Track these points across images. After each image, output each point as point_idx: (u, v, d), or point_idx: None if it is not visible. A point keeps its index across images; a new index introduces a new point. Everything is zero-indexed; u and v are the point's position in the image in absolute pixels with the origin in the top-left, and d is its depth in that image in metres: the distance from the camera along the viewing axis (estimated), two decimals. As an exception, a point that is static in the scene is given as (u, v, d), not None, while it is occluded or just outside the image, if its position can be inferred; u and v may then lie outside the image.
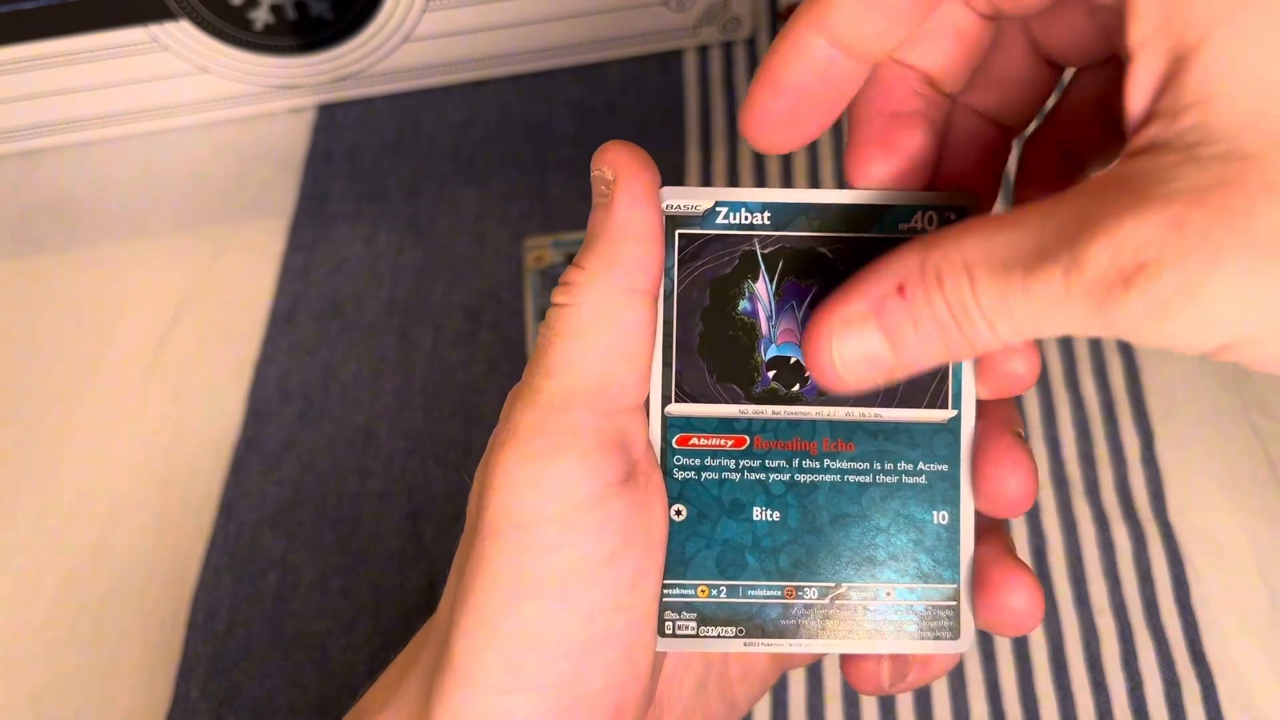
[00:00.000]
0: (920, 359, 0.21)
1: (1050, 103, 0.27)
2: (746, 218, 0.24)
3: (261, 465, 0.41)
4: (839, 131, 0.49)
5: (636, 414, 0.24)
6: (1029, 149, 0.27)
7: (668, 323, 0.24)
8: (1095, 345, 0.42)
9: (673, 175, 0.48)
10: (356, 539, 0.39)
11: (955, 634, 0.24)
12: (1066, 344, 0.42)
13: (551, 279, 0.44)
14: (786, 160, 0.48)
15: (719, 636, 0.24)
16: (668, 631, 0.24)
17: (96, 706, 0.36)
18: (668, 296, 0.24)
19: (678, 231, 0.24)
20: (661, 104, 0.51)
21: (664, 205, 0.24)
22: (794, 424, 0.24)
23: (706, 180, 0.48)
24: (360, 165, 0.49)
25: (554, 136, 0.50)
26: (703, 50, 0.52)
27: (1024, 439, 0.25)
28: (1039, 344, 0.25)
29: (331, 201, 0.48)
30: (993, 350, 0.21)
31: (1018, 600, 0.24)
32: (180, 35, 0.46)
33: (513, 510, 0.22)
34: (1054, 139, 0.26)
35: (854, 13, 0.22)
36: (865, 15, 0.22)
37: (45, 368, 0.44)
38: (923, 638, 0.24)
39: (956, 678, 0.36)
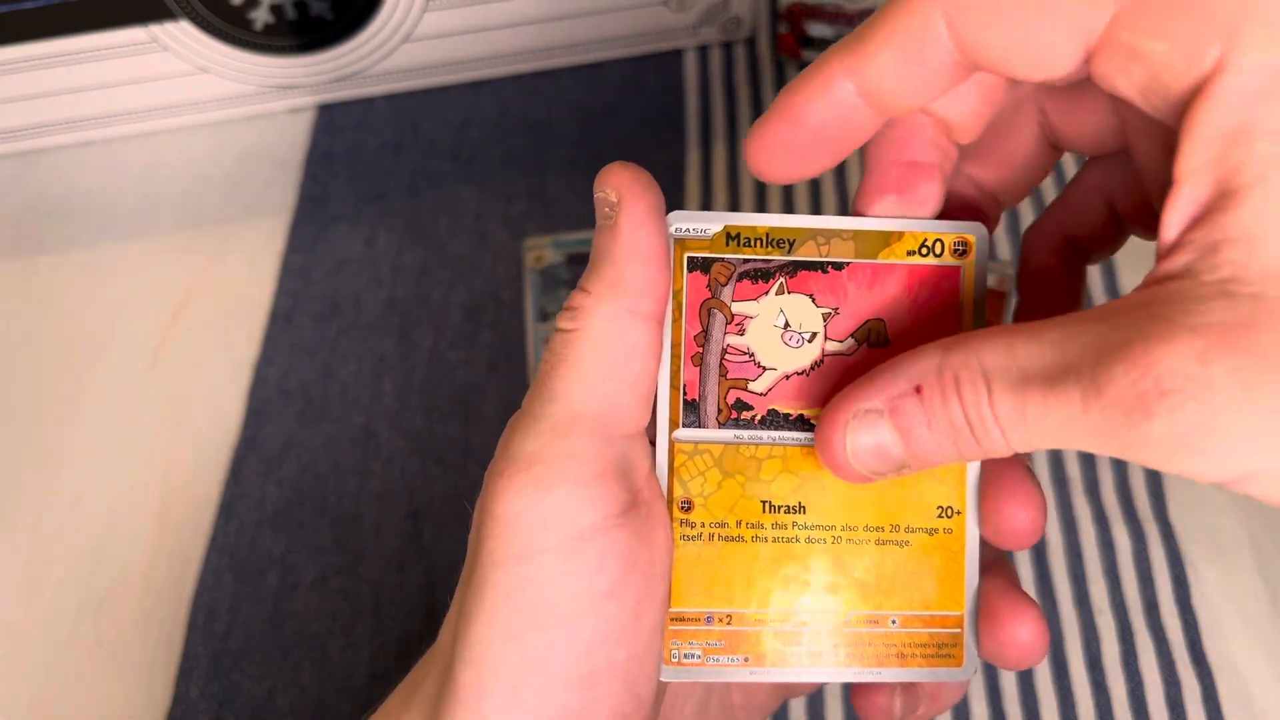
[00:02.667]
0: (932, 457, 0.21)
1: (1049, 180, 0.27)
2: (755, 241, 0.24)
3: (261, 465, 0.41)
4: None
5: (639, 440, 0.24)
6: (1032, 235, 0.27)
7: (675, 345, 0.24)
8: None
9: (673, 175, 0.48)
10: (356, 539, 0.39)
11: (960, 662, 0.24)
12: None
13: (551, 278, 0.44)
14: (786, 160, 0.48)
15: (725, 665, 0.24)
16: (674, 660, 0.24)
17: (96, 706, 0.36)
18: (675, 320, 0.24)
19: (686, 255, 0.24)
20: (661, 104, 0.51)
21: (672, 229, 0.24)
22: (803, 450, 0.24)
23: (706, 180, 0.48)
24: (360, 165, 0.49)
25: (554, 136, 0.50)
26: (703, 50, 0.52)
27: (1032, 472, 0.25)
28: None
29: (331, 201, 0.48)
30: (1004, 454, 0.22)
31: (1023, 634, 0.24)
32: (180, 35, 0.46)
33: (513, 541, 0.22)
34: (1057, 228, 0.26)
35: (891, 68, 0.21)
36: (902, 72, 0.21)
37: (45, 368, 0.44)
38: (928, 666, 0.24)
39: None
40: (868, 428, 0.21)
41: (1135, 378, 0.18)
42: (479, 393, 0.42)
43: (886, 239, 0.24)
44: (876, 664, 0.24)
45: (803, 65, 0.52)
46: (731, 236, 0.24)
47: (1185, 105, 0.19)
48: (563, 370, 0.23)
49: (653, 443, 0.25)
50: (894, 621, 0.24)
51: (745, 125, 0.50)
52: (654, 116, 0.50)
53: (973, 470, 0.24)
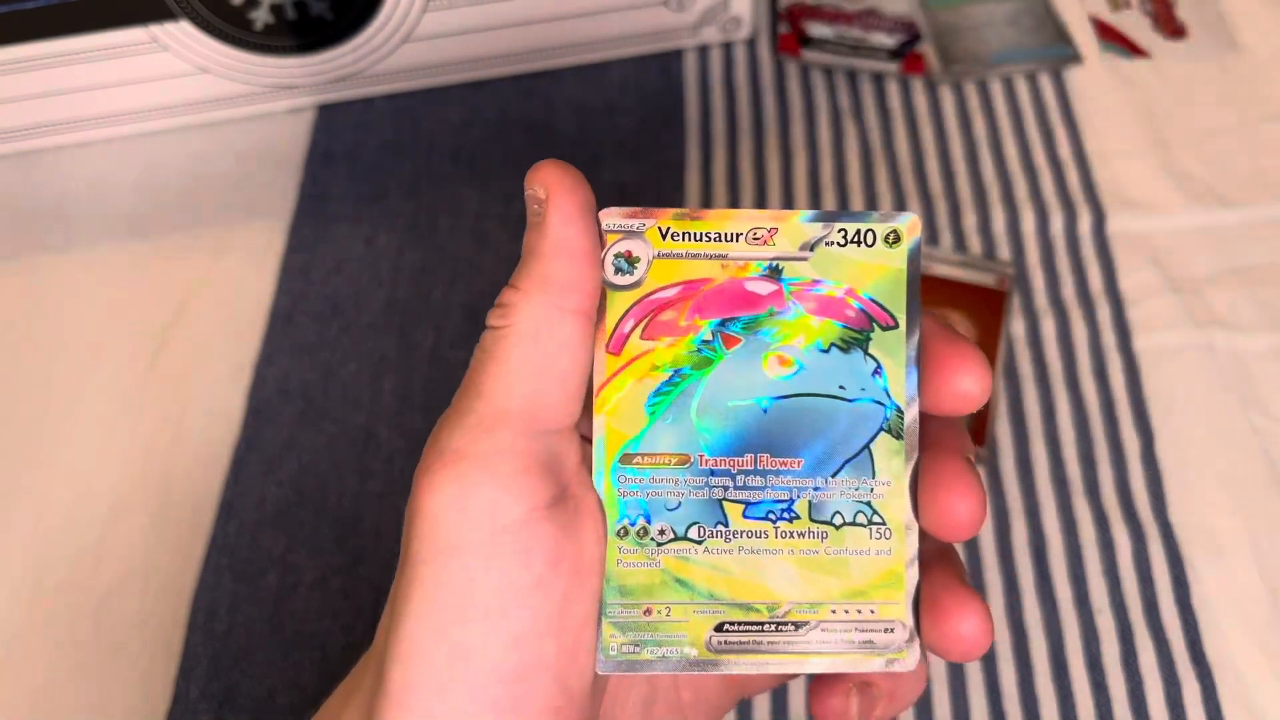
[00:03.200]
0: None
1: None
2: (686, 237, 0.24)
3: (261, 465, 0.41)
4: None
5: (567, 435, 0.23)
6: None
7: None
8: (1095, 346, 0.42)
9: (673, 175, 0.48)
10: (356, 539, 0.39)
11: (901, 651, 0.24)
12: (1066, 344, 0.42)
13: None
14: (787, 168, 0.48)
15: (663, 658, 0.24)
16: (611, 653, 0.24)
17: (96, 706, 0.36)
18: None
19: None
20: (661, 104, 0.51)
21: (605, 225, 0.24)
22: (739, 438, 0.24)
23: (706, 180, 0.48)
24: (360, 165, 0.49)
25: (554, 136, 0.50)
26: (703, 50, 0.52)
27: (973, 464, 0.24)
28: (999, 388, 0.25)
29: (331, 201, 0.48)
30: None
31: (967, 628, 0.24)
32: (180, 35, 0.46)
33: (438, 536, 0.22)
34: None
35: None
36: None
37: (45, 368, 0.44)
38: (868, 656, 0.24)
39: (957, 678, 0.36)
40: None
41: None
42: (479, 393, 0.42)
43: (818, 231, 0.24)
44: (817, 655, 0.24)
45: (803, 66, 0.52)
46: (664, 232, 0.24)
47: None
48: (490, 367, 0.23)
49: (586, 439, 0.24)
50: (833, 611, 0.24)
51: (745, 125, 0.50)
52: (654, 116, 0.50)
53: (909, 461, 0.24)
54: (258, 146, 0.50)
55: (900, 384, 0.24)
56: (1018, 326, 0.43)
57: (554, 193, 0.23)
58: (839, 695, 0.25)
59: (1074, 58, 0.51)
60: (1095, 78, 0.51)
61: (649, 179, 0.48)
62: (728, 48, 0.52)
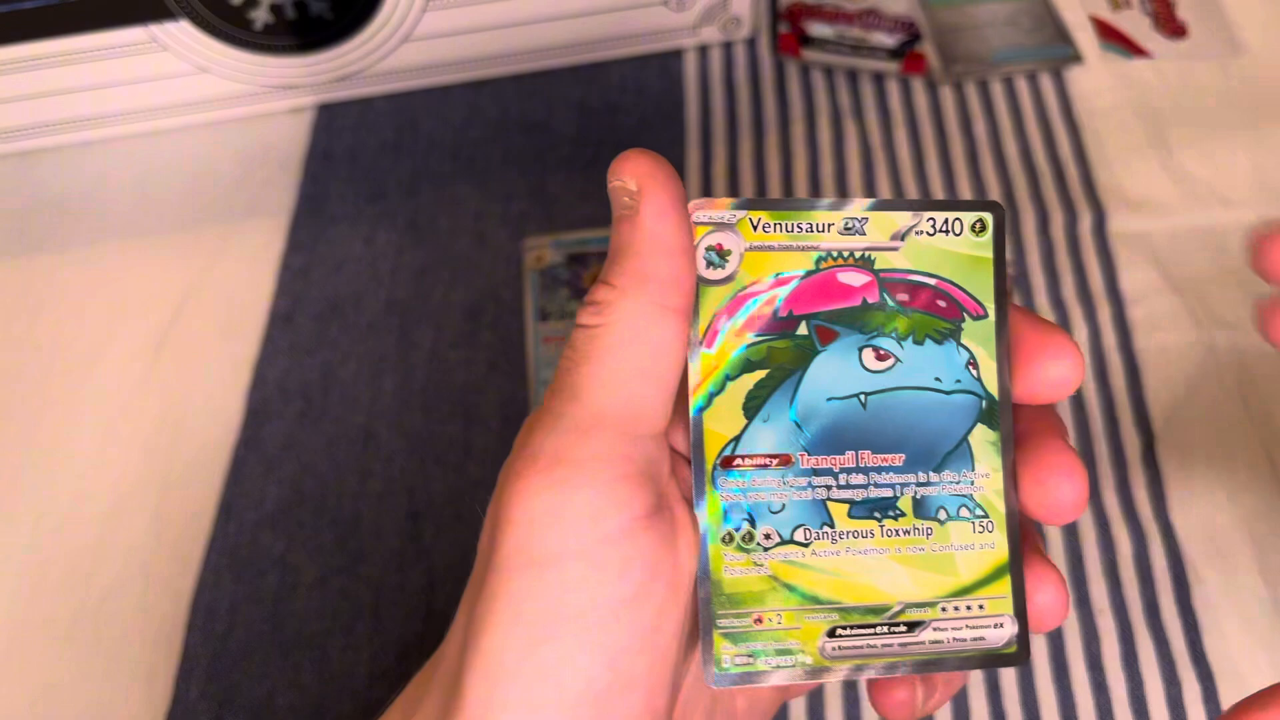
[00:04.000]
0: None
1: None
2: (778, 231, 0.23)
3: (261, 465, 0.41)
4: (839, 140, 0.49)
5: (662, 440, 0.22)
6: None
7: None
8: (1095, 347, 0.42)
9: (673, 175, 0.48)
10: (356, 539, 0.39)
11: (1012, 645, 0.23)
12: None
13: (551, 278, 0.44)
14: (787, 168, 0.48)
15: (778, 668, 0.23)
16: (725, 666, 0.22)
17: (96, 706, 0.36)
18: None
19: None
20: (661, 104, 0.51)
21: (695, 217, 0.23)
22: (839, 435, 0.23)
23: (706, 180, 0.48)
24: (360, 165, 0.49)
25: (554, 136, 0.50)
26: (703, 50, 0.52)
27: (1072, 446, 0.24)
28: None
29: (331, 201, 0.48)
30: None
31: (1044, 598, 0.23)
32: (180, 35, 0.46)
33: (532, 545, 0.20)
34: None
35: None
36: None
37: (45, 368, 0.44)
38: (983, 653, 0.23)
39: (957, 678, 0.36)
40: None
41: None
42: (479, 393, 0.42)
43: (906, 221, 0.23)
44: (935, 655, 0.23)
45: (803, 65, 0.52)
46: (755, 224, 0.23)
47: None
48: (586, 368, 0.21)
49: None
50: (944, 610, 0.23)
51: (745, 125, 0.50)
52: (654, 116, 0.50)
53: (1005, 455, 0.23)
54: (257, 146, 0.50)
55: (993, 374, 0.23)
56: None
57: (647, 186, 0.22)
58: (905, 688, 0.24)
59: (1074, 57, 0.51)
60: (1096, 77, 0.51)
61: (649, 179, 0.48)
62: (728, 47, 0.52)
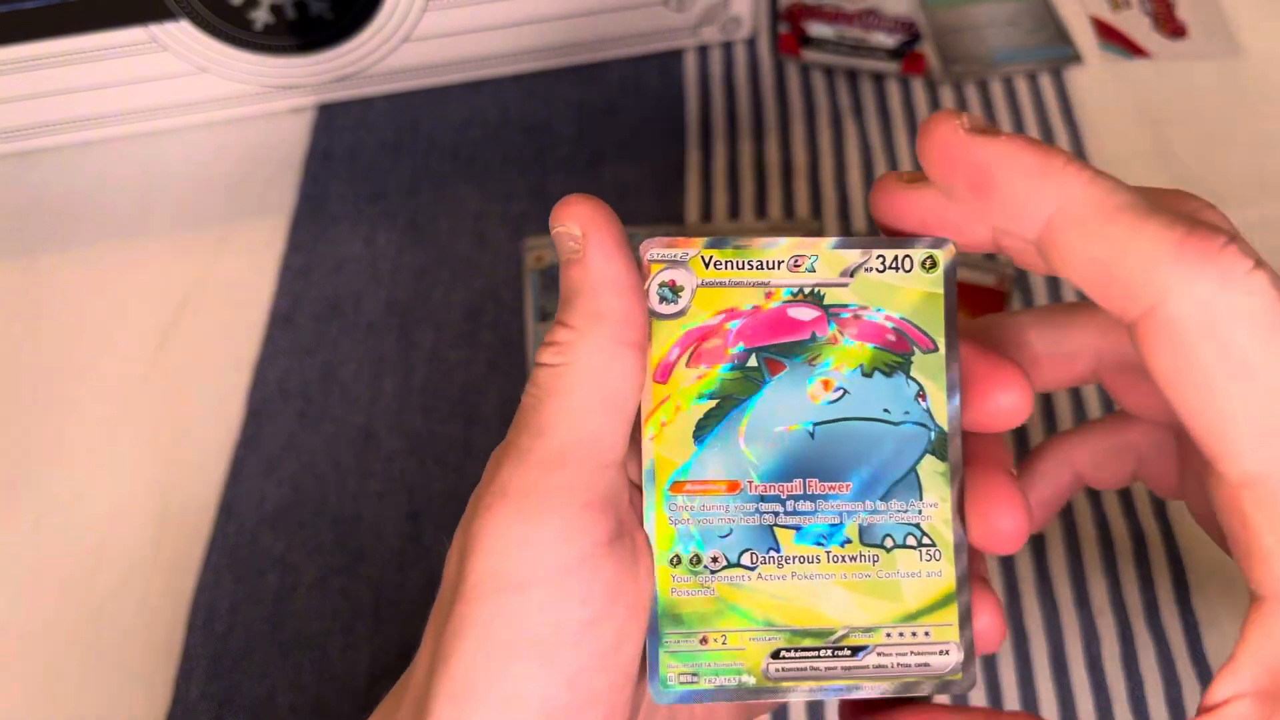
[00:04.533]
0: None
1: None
2: (728, 265, 0.24)
3: (261, 465, 0.41)
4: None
5: (622, 469, 0.23)
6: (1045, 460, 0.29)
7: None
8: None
9: (673, 175, 0.48)
10: (356, 539, 0.39)
11: (957, 673, 0.24)
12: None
13: (551, 279, 0.44)
14: (787, 168, 0.48)
15: (720, 688, 0.24)
16: (670, 684, 0.24)
17: (96, 707, 0.36)
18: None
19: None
20: (661, 104, 0.51)
21: (648, 255, 0.24)
22: (788, 463, 0.24)
23: (706, 180, 0.48)
24: (360, 165, 0.49)
25: (554, 136, 0.50)
26: (703, 50, 0.52)
27: (1015, 477, 0.24)
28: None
29: (331, 201, 0.48)
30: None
31: (981, 624, 0.24)
32: (180, 35, 0.46)
33: (501, 573, 0.22)
34: (1069, 465, 0.29)
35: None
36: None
37: (45, 368, 0.44)
38: (925, 679, 0.24)
39: None
40: None
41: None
42: (479, 393, 0.42)
43: (855, 259, 0.24)
44: (876, 678, 0.24)
45: (803, 65, 0.52)
46: (707, 262, 0.24)
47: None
48: (551, 403, 0.22)
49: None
50: (888, 635, 0.24)
51: (745, 125, 0.50)
52: (654, 116, 0.50)
53: (954, 485, 0.24)
54: (258, 146, 0.50)
55: (942, 406, 0.24)
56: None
57: (591, 230, 0.23)
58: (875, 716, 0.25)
59: (1074, 57, 0.51)
60: (1095, 78, 0.51)
61: (649, 179, 0.48)
62: (728, 47, 0.52)
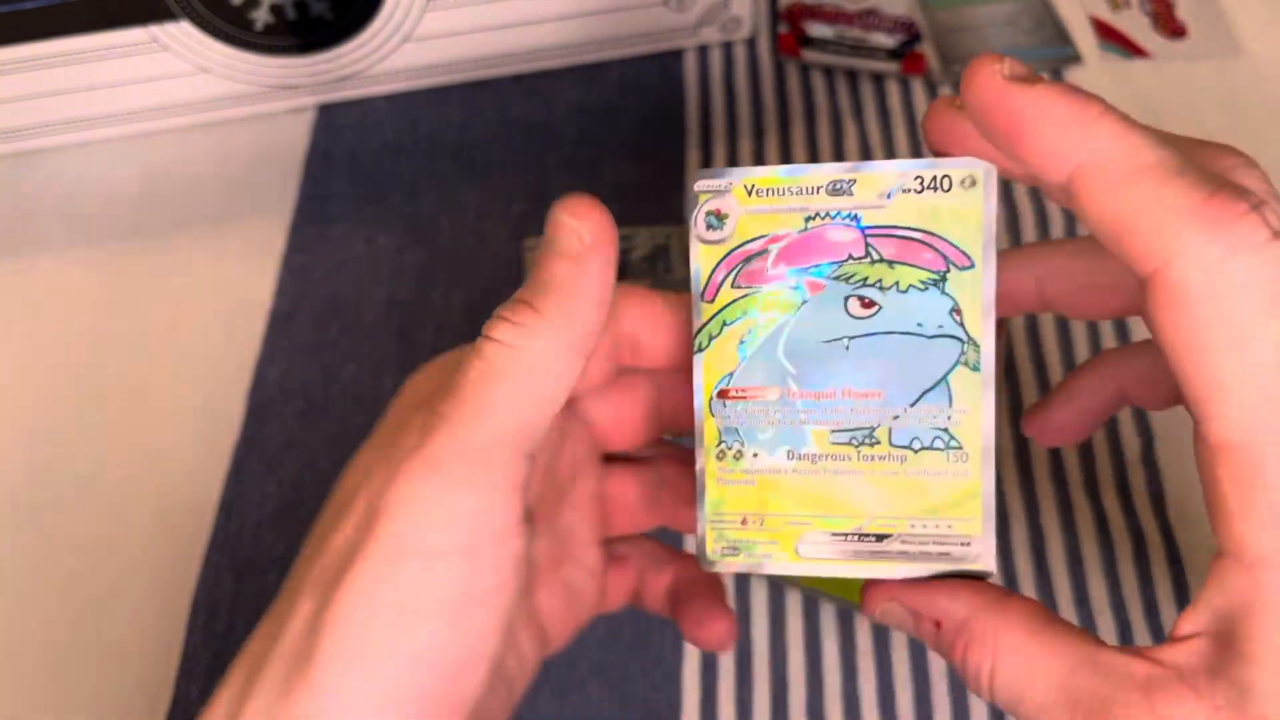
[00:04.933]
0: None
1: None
2: (771, 194, 0.25)
3: (262, 465, 0.41)
4: (838, 117, 0.49)
5: (539, 458, 0.25)
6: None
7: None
8: (1094, 346, 0.42)
9: (673, 175, 0.48)
10: (356, 539, 0.39)
11: (977, 560, 0.25)
12: (1065, 344, 0.42)
13: (551, 279, 0.44)
14: (788, 158, 0.48)
15: (758, 561, 0.26)
16: (710, 555, 0.26)
17: (96, 706, 0.36)
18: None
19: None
20: (661, 104, 0.51)
21: (696, 186, 0.25)
22: (824, 373, 0.26)
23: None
24: (360, 165, 0.49)
25: (554, 137, 0.50)
26: (703, 50, 0.53)
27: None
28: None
29: (331, 202, 0.48)
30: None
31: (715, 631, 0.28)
32: (180, 35, 0.46)
33: (417, 539, 0.22)
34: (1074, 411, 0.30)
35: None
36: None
37: (45, 368, 0.44)
38: (947, 566, 0.25)
39: (956, 677, 0.36)
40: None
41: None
42: (479, 393, 0.42)
43: (889, 179, 0.25)
44: (894, 563, 0.25)
45: (803, 66, 0.52)
46: (749, 189, 0.25)
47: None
48: (498, 385, 0.23)
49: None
50: (912, 525, 0.25)
51: (745, 125, 0.50)
52: (654, 117, 0.50)
53: (987, 362, 0.25)
54: (258, 147, 0.50)
55: (977, 321, 0.25)
56: (1017, 325, 0.43)
57: (600, 240, 0.24)
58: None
59: (1074, 58, 0.51)
60: (1095, 78, 0.51)
61: (649, 179, 0.48)
62: (728, 48, 0.53)
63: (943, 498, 0.25)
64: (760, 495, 0.26)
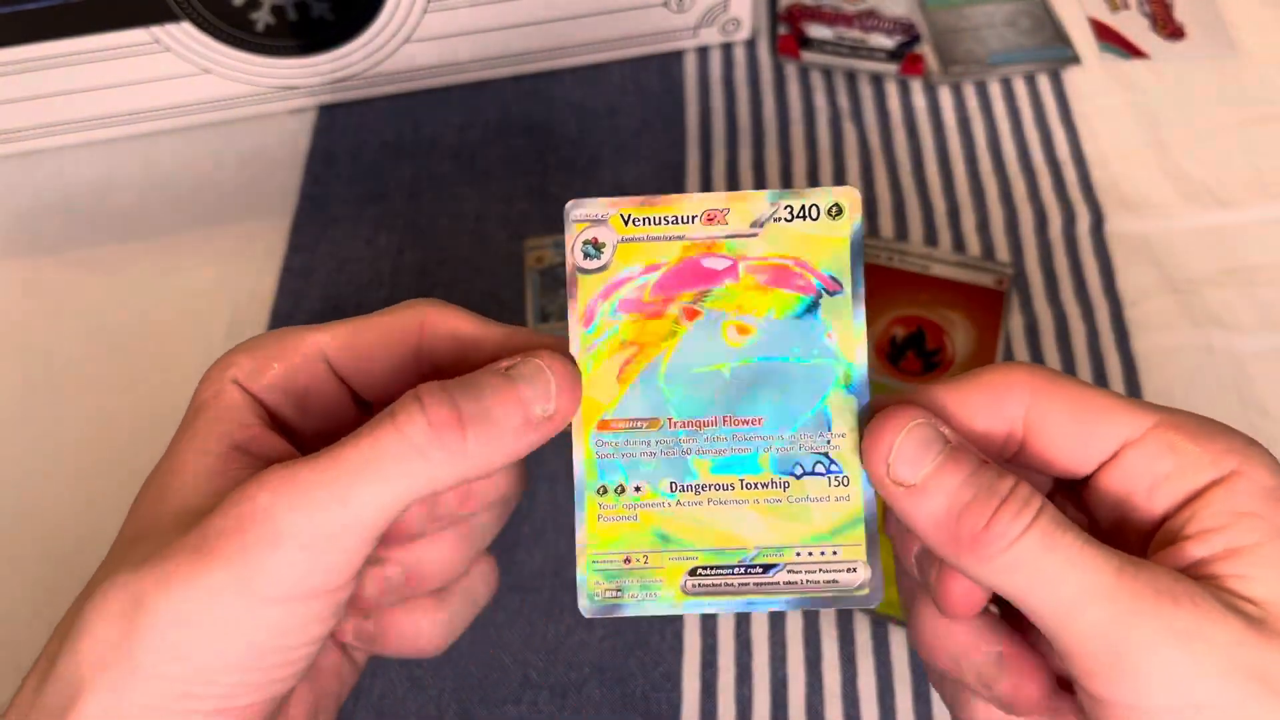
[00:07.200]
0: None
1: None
2: (646, 224, 0.26)
3: (263, 465, 0.41)
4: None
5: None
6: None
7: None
8: (1093, 347, 0.42)
9: (673, 176, 0.48)
10: (357, 538, 0.39)
11: (864, 587, 0.25)
12: (1065, 344, 0.43)
13: (552, 279, 0.44)
14: (786, 169, 0.49)
15: (642, 601, 0.26)
16: (595, 599, 0.26)
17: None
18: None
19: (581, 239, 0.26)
20: (661, 105, 0.51)
21: (573, 215, 0.26)
22: (704, 401, 0.26)
23: (706, 181, 0.48)
24: (361, 166, 0.50)
25: (554, 137, 0.50)
26: (703, 51, 0.53)
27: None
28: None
29: (332, 202, 0.48)
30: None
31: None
32: (182, 37, 0.46)
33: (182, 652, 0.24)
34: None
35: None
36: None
37: (45, 368, 0.44)
38: (833, 594, 0.25)
39: (955, 676, 0.36)
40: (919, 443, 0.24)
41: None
42: (479, 392, 0.42)
43: (761, 208, 0.26)
44: (783, 594, 0.25)
45: (802, 67, 0.52)
46: (626, 219, 0.26)
47: (1190, 496, 0.23)
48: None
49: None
50: (798, 554, 0.25)
51: (745, 126, 0.50)
52: (654, 117, 0.50)
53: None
54: (259, 147, 0.50)
55: (850, 343, 0.26)
56: (1016, 327, 0.43)
57: (566, 412, 0.25)
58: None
59: (1072, 59, 0.51)
60: (1094, 79, 0.51)
61: (649, 179, 0.48)
62: (727, 49, 0.53)
63: (827, 523, 0.25)
64: (643, 531, 0.26)
